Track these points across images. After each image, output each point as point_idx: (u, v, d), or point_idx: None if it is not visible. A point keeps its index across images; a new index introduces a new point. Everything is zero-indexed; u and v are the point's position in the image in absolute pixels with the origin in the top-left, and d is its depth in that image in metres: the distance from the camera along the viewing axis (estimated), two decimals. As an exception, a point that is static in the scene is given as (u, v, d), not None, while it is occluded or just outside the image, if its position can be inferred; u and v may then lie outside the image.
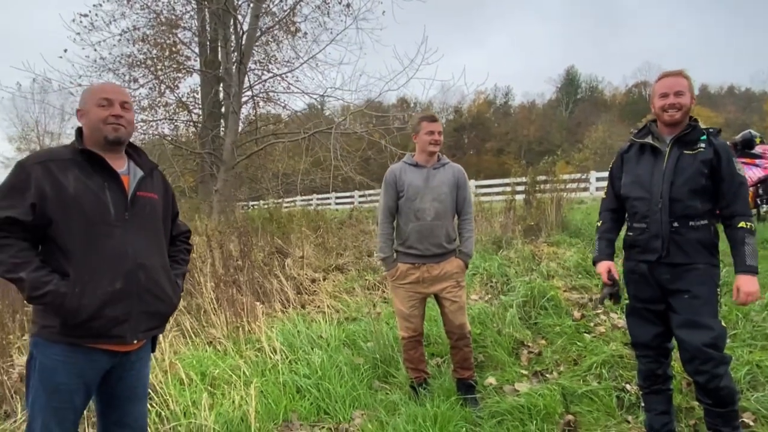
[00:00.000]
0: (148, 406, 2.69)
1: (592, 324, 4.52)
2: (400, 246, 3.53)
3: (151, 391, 3.06)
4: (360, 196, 20.70)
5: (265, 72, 14.81)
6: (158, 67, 13.97)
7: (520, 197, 8.67)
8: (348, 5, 12.96)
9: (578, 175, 10.16)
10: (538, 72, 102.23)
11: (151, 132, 13.24)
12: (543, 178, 8.32)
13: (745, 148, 8.32)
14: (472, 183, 19.44)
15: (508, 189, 8.49)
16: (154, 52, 13.89)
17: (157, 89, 14.11)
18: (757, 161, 8.11)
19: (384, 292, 6.14)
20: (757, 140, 8.43)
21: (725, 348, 2.63)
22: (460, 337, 3.50)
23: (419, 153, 3.54)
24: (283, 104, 15.15)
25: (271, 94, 14.96)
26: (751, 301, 2.56)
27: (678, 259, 2.64)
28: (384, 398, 3.57)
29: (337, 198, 23.47)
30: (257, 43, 13.94)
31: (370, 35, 20.48)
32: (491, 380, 3.79)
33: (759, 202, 7.95)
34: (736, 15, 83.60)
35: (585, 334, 4.32)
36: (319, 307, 5.62)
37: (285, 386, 3.61)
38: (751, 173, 7.94)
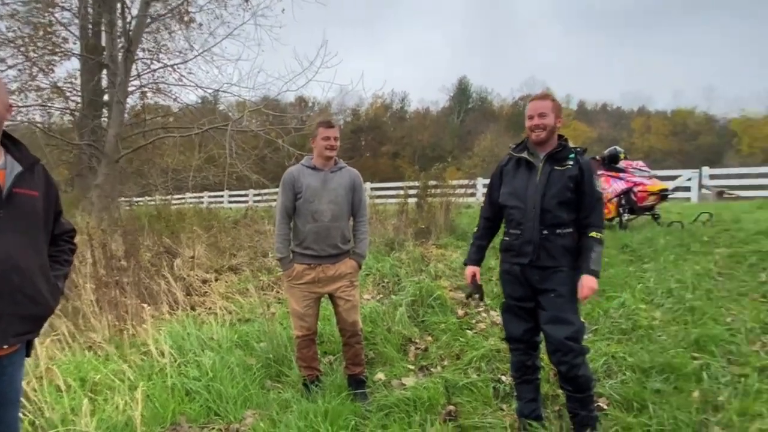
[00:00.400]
0: (20, 414, 2.53)
1: (474, 321, 4.87)
2: (296, 247, 3.60)
3: (23, 399, 2.87)
4: (255, 195, 20.26)
5: (155, 61, 14.01)
6: (30, 48, 12.72)
7: (412, 201, 9.04)
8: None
9: (466, 181, 10.72)
10: (433, 80, 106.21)
11: (19, 118, 12.05)
12: (434, 183, 8.73)
13: (611, 162, 9.29)
14: (367, 185, 19.81)
15: (401, 192, 8.81)
16: (26, 30, 12.64)
17: (28, 71, 12.85)
18: (621, 175, 9.08)
19: (278, 292, 6.13)
20: (622, 156, 9.44)
21: (583, 341, 3.01)
22: (352, 334, 3.64)
23: (316, 157, 3.63)
24: (174, 97, 14.43)
25: (161, 85, 14.19)
26: (591, 295, 2.93)
27: (546, 262, 2.96)
28: (276, 397, 3.61)
29: (231, 196, 22.79)
30: (147, 30, 13.18)
31: (269, 32, 19.97)
32: (380, 375, 3.96)
33: (621, 211, 8.90)
34: (614, 37, 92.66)
35: (467, 331, 4.65)
36: (210, 308, 5.49)
37: (173, 389, 3.52)
38: (616, 185, 8.89)
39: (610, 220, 8.78)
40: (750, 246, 6.66)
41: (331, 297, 3.64)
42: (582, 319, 3.05)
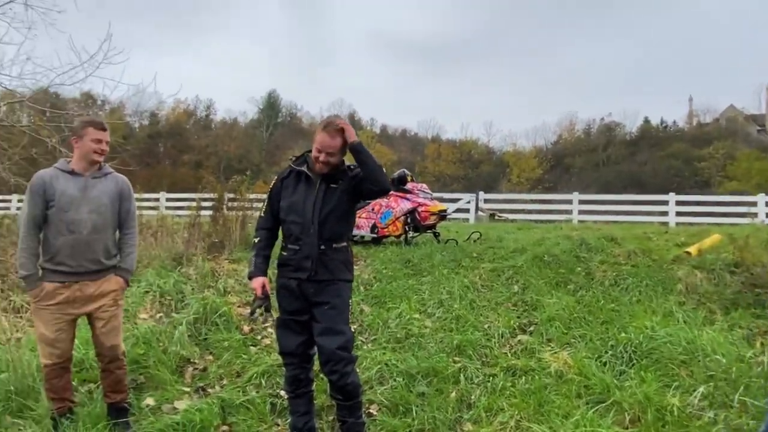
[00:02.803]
0: None
1: (259, 337, 4.79)
2: (47, 262, 3.15)
3: None
4: (19, 201, 17.40)
5: None
6: None
7: (208, 213, 8.66)
8: (16, -25, 10.87)
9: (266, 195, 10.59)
10: (241, 91, 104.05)
11: None
12: (231, 195, 8.49)
13: (400, 183, 10.03)
14: (162, 195, 18.52)
15: (194, 204, 8.38)
16: None
17: None
18: (408, 195, 9.85)
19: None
20: (409, 178, 10.25)
21: (354, 349, 3.15)
22: (111, 359, 3.28)
23: (79, 160, 3.23)
24: None
25: None
26: None
27: (323, 276, 3.04)
28: (14, 436, 3.09)
29: (-9, 202, 19.25)
30: None
31: (43, 16, 17.38)
32: (149, 401, 3.67)
33: (407, 228, 9.65)
34: (417, 67, 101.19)
35: (251, 347, 4.56)
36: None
37: None
38: (403, 205, 9.61)
39: (398, 236, 9.44)
40: (508, 262, 7.67)
41: (90, 318, 3.25)
42: (352, 329, 3.20)
